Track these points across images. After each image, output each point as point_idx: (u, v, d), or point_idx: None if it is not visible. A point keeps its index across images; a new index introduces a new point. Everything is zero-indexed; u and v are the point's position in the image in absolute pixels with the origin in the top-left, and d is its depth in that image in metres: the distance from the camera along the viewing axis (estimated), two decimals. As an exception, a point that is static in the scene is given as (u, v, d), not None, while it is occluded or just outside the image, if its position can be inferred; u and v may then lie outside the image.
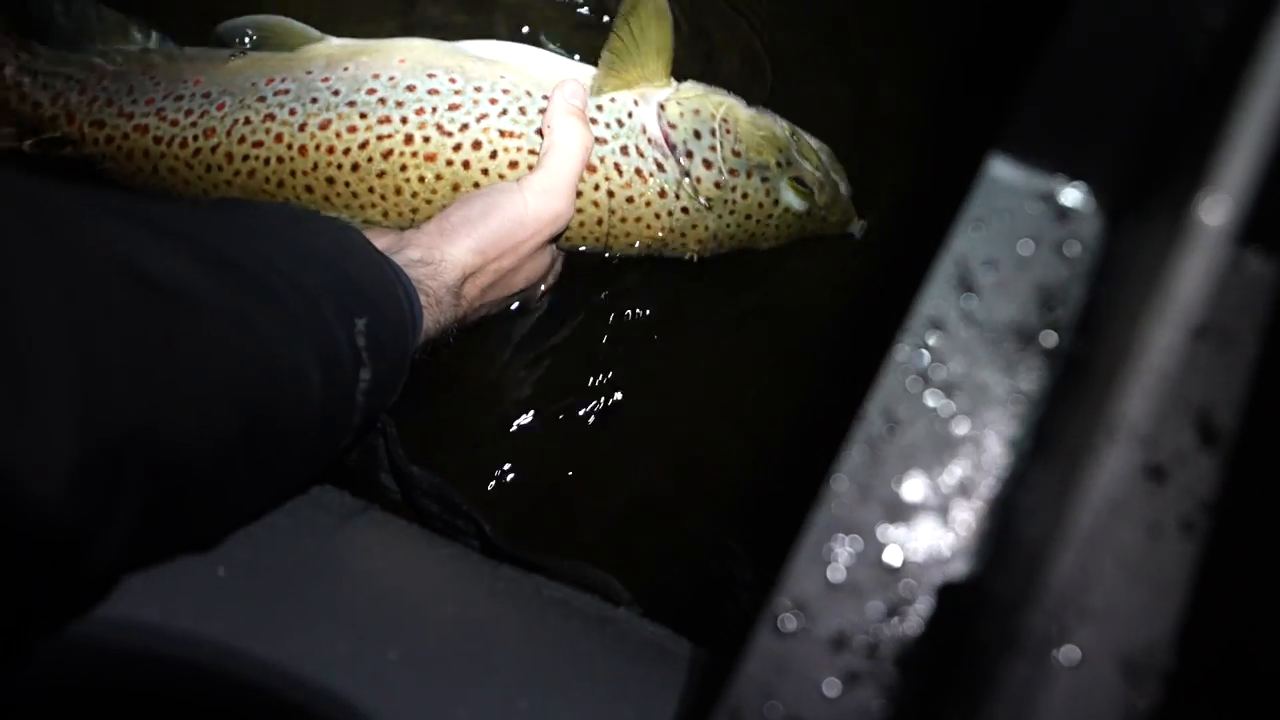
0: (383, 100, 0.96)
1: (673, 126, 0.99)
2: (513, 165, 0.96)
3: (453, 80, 0.97)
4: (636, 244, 1.02)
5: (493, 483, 1.06)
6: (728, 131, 1.01)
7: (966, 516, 0.52)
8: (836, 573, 0.51)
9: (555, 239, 0.95)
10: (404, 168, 0.96)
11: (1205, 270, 0.38)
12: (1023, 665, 0.39)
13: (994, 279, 0.54)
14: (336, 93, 0.97)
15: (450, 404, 1.10)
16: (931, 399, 0.53)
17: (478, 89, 0.97)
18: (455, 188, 0.96)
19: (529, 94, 0.97)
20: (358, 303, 0.71)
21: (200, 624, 0.62)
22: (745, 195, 1.02)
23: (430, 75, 0.97)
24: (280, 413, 0.61)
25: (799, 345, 1.15)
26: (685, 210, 1.00)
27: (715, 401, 1.14)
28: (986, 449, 0.52)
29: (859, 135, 1.14)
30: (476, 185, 0.96)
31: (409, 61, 0.99)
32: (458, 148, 0.95)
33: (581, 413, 1.10)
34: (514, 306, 1.03)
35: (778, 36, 1.17)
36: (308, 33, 1.04)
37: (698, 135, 1.00)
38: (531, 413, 1.10)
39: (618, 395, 1.11)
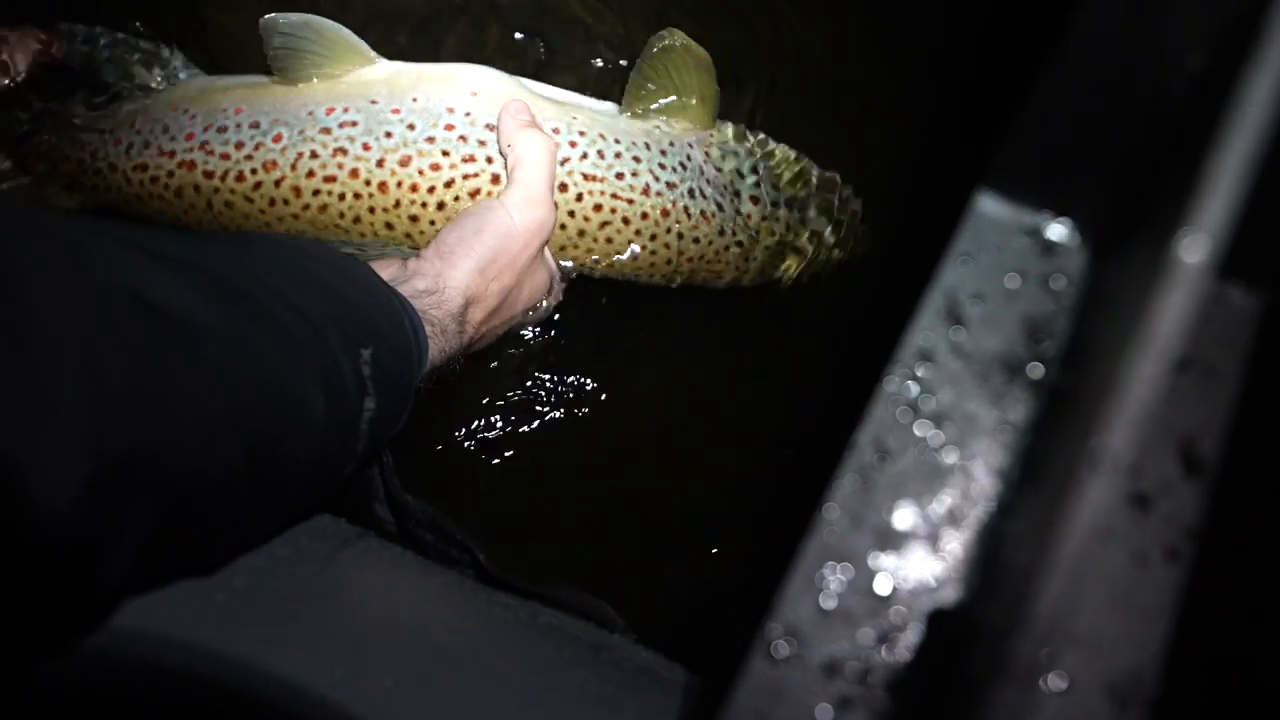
0: (464, 138, 0.96)
1: (719, 170, 1.02)
2: (597, 209, 0.97)
3: None
4: (690, 276, 1.05)
5: (487, 511, 1.07)
6: (764, 168, 1.04)
7: (955, 545, 0.53)
8: (828, 600, 0.52)
9: (544, 245, 0.96)
10: None
11: (1185, 306, 0.39)
12: (1010, 691, 0.39)
13: (982, 312, 0.55)
14: (412, 127, 0.96)
15: (445, 433, 1.10)
16: (921, 429, 0.54)
17: (555, 130, 0.98)
18: None
19: (602, 137, 0.99)
20: (364, 333, 0.72)
21: (198, 650, 0.62)
22: (788, 226, 1.06)
23: None
24: (284, 440, 0.62)
25: (791, 372, 1.16)
26: (740, 244, 1.03)
27: (712, 429, 1.15)
28: (975, 478, 0.53)
29: (852, 170, 1.16)
30: (563, 227, 0.98)
31: (482, 95, 0.98)
32: None
33: (575, 439, 1.11)
34: (520, 329, 1.05)
35: (775, 70, 1.19)
36: (362, 49, 1.00)
37: (741, 174, 1.03)
38: (526, 439, 1.10)
39: (612, 421, 1.12)
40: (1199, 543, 0.52)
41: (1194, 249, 0.39)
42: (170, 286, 0.56)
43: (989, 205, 0.56)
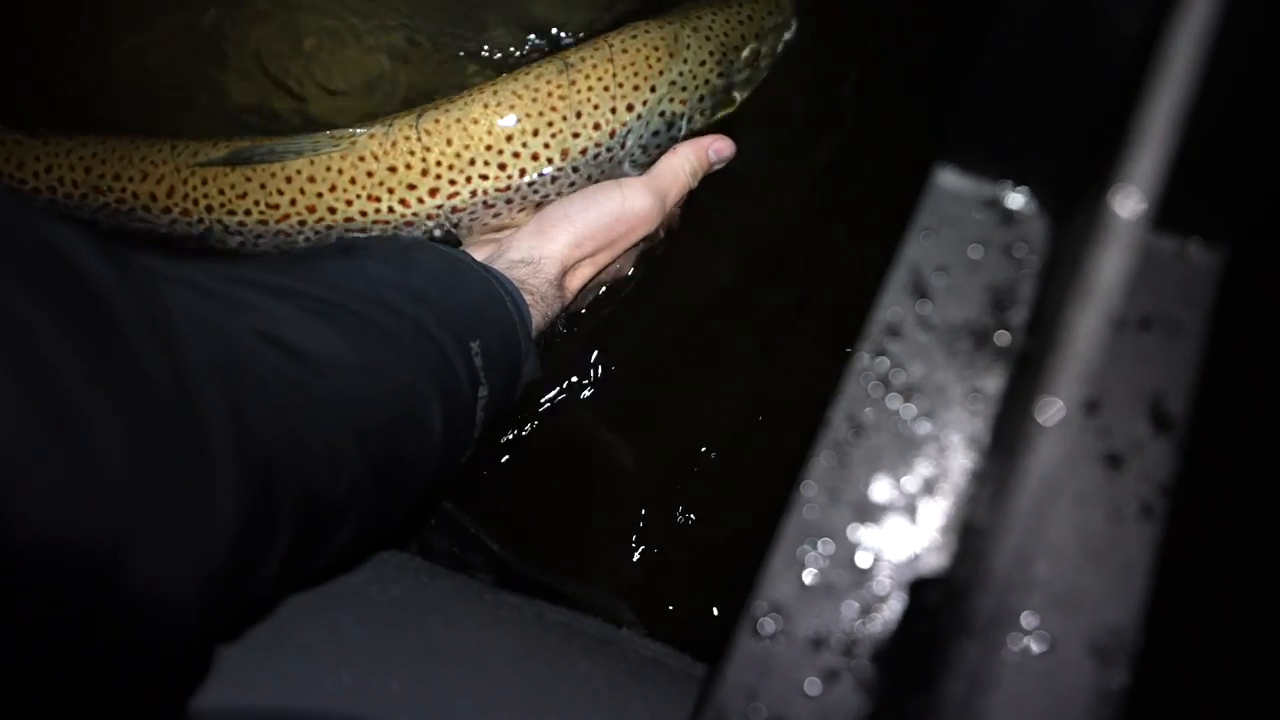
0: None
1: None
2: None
3: None
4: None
5: (492, 506, 1.07)
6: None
7: (932, 514, 0.53)
8: (811, 575, 0.53)
9: (646, 239, 0.96)
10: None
11: (1122, 259, 0.40)
12: (973, 647, 0.40)
13: (947, 284, 0.56)
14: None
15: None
16: (893, 403, 0.55)
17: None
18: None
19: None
20: (470, 325, 0.75)
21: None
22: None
23: None
24: (407, 449, 0.67)
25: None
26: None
27: (717, 417, 1.15)
28: (948, 448, 0.54)
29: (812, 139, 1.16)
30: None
31: None
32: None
33: (576, 413, 1.11)
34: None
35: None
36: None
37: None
38: (527, 428, 1.11)
39: (611, 402, 1.12)
40: (1172, 499, 0.52)
41: (1126, 202, 0.40)
42: (291, 321, 0.61)
43: (948, 179, 0.57)
